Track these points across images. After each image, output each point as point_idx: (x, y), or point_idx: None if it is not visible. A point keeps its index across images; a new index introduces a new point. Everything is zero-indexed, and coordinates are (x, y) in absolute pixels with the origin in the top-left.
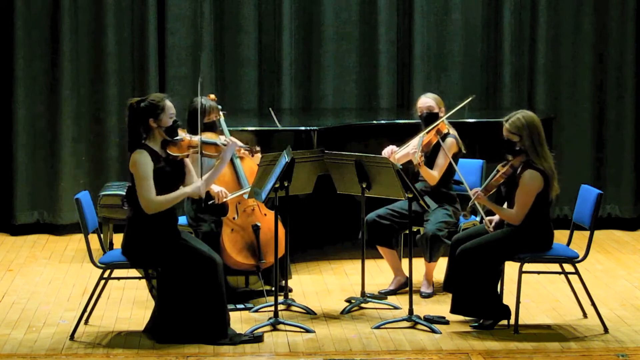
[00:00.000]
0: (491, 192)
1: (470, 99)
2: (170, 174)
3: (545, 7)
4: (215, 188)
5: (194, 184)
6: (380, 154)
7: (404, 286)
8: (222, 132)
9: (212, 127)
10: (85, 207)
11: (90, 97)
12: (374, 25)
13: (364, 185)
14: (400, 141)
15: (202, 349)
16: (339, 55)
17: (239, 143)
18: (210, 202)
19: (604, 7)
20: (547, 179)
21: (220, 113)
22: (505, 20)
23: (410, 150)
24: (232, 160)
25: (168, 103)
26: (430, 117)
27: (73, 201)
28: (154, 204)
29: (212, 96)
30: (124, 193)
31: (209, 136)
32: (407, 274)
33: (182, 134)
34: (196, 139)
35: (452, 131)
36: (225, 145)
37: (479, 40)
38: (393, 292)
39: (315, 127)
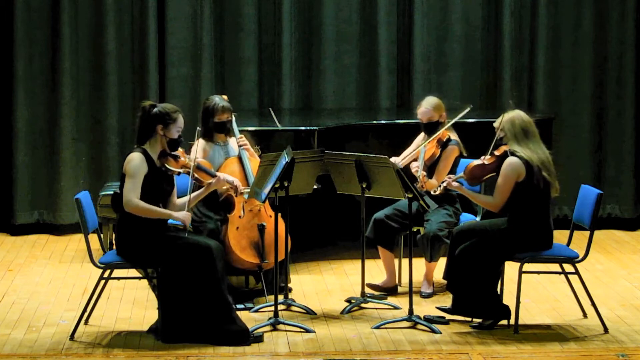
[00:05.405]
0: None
1: (467, 109)
2: (159, 184)
3: (545, 7)
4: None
5: (183, 212)
6: (380, 154)
7: (391, 289)
8: (232, 134)
9: (221, 128)
10: (85, 207)
11: (90, 97)
12: (374, 25)
13: (364, 185)
14: (400, 141)
15: (202, 349)
16: (339, 55)
17: (229, 179)
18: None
19: (604, 7)
20: (531, 168)
21: (232, 115)
22: (505, 21)
23: (414, 168)
24: (240, 159)
25: (180, 117)
26: (431, 127)
27: (73, 201)
28: (133, 204)
29: (225, 97)
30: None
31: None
32: (405, 275)
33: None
34: (194, 155)
35: (454, 136)
36: (214, 177)
37: (479, 40)
38: (377, 287)
39: (315, 127)
